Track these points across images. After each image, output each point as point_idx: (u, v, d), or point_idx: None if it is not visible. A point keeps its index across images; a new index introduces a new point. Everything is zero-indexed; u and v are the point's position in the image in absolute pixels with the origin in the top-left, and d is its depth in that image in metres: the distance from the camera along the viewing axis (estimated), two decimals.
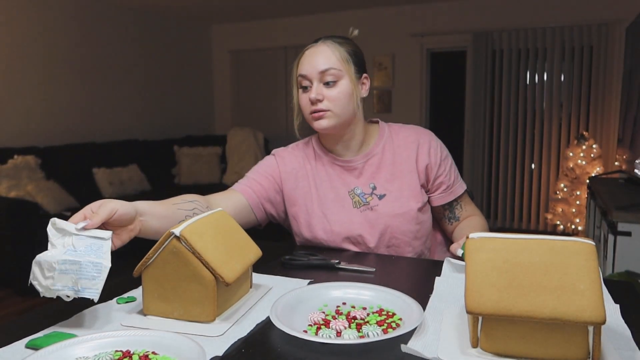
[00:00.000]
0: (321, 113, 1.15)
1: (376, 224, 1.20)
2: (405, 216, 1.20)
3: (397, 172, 1.23)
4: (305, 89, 1.18)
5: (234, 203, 1.19)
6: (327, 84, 1.15)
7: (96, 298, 0.73)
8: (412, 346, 0.66)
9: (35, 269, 0.74)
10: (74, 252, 0.74)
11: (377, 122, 1.30)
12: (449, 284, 0.92)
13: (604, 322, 0.58)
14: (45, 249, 0.75)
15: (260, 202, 1.24)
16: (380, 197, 1.22)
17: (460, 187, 1.27)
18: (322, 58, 1.15)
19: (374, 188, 1.22)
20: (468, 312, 0.63)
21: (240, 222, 1.17)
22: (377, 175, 1.23)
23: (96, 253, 0.75)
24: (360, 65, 1.20)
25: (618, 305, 0.80)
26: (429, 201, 1.26)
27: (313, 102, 1.15)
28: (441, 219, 1.31)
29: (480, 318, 0.64)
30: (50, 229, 0.77)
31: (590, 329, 0.61)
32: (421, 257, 1.25)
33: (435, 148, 1.24)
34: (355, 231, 1.21)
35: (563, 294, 0.61)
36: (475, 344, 0.65)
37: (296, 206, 1.26)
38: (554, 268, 0.63)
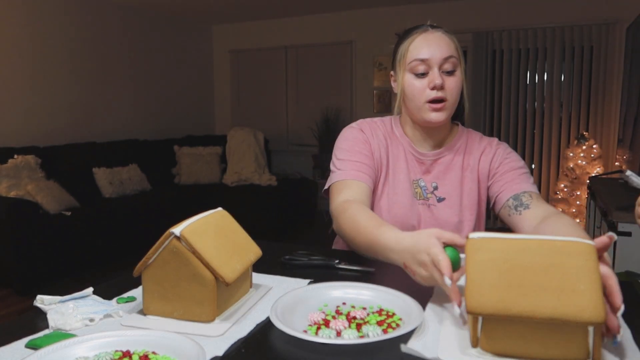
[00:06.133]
0: (441, 104, 1.08)
1: (428, 223, 1.18)
2: (457, 225, 1.17)
3: (463, 179, 1.19)
4: (421, 75, 1.09)
5: (366, 194, 1.13)
6: (446, 72, 1.08)
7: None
8: (412, 346, 0.66)
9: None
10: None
11: (458, 125, 1.25)
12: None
13: (604, 322, 0.58)
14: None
15: (374, 179, 1.19)
16: (440, 199, 1.19)
17: (527, 184, 1.13)
18: (444, 44, 1.08)
19: (436, 188, 1.20)
20: (468, 312, 0.62)
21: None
22: (444, 176, 1.20)
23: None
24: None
25: None
26: (493, 208, 1.20)
27: (437, 88, 1.07)
28: (509, 216, 1.13)
29: (480, 318, 0.64)
30: (41, 306, 0.80)
31: (591, 329, 0.61)
32: None
33: (502, 153, 1.19)
34: (410, 221, 1.17)
35: (563, 294, 0.61)
36: (475, 344, 0.65)
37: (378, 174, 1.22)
38: (554, 268, 0.63)
